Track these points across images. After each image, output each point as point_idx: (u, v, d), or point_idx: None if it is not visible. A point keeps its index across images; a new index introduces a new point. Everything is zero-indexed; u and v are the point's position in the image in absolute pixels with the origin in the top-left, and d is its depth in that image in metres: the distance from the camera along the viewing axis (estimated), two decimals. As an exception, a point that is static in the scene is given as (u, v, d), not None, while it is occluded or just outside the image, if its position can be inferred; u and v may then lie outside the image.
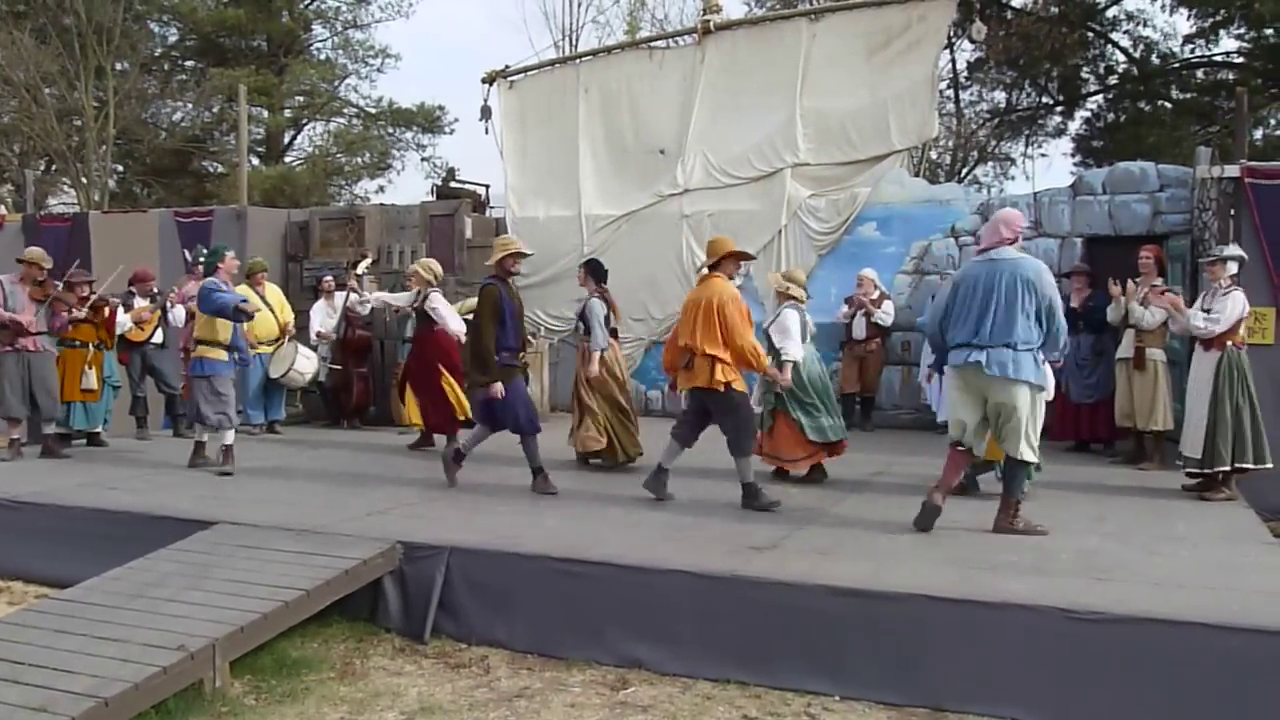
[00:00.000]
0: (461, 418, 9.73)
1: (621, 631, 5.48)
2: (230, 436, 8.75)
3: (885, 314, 11.38)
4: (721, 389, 7.07)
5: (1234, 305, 7.64)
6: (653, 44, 14.26)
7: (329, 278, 12.46)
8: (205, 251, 11.66)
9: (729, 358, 7.05)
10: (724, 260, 7.30)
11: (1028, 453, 6.27)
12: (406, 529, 6.42)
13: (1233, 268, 7.83)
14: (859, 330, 11.41)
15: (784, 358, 7.93)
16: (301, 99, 30.58)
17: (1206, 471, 7.71)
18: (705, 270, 7.42)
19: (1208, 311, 7.71)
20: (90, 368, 9.91)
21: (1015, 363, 6.08)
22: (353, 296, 11.34)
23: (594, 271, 8.99)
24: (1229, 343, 7.65)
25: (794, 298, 8.19)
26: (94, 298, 9.74)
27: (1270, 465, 7.66)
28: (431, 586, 5.91)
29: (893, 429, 11.47)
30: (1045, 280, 6.18)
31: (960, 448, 6.52)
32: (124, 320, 10.36)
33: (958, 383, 6.40)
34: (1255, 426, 7.61)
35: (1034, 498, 7.22)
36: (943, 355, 6.56)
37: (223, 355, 8.73)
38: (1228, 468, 7.60)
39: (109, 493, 7.69)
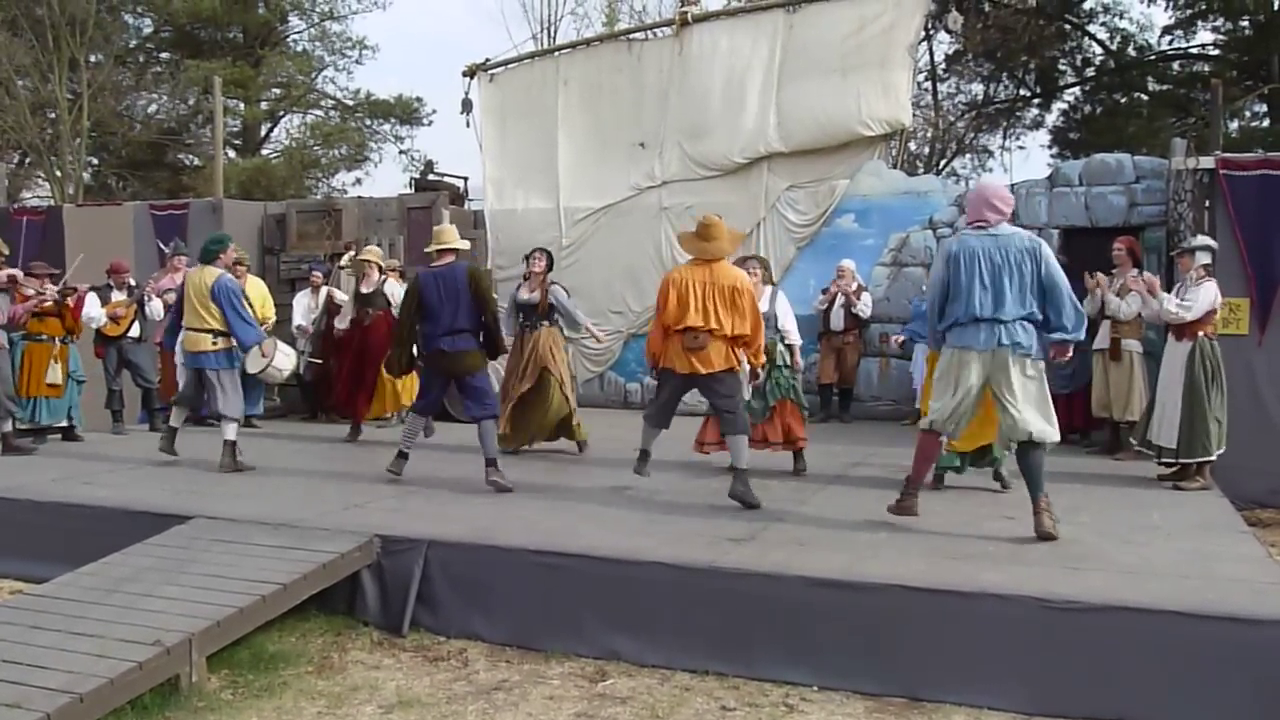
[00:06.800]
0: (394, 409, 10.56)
1: (600, 623, 5.48)
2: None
3: (864, 306, 11.41)
4: (733, 370, 6.99)
5: (1206, 294, 7.74)
6: (631, 36, 14.24)
7: (318, 272, 12.38)
8: (181, 244, 11.63)
9: (749, 342, 6.98)
10: (729, 244, 7.16)
11: (1051, 431, 5.92)
12: (384, 522, 6.39)
13: (1203, 258, 7.90)
14: (837, 321, 11.44)
15: (789, 341, 8.14)
16: (278, 91, 30.38)
17: (1182, 461, 7.79)
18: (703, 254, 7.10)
19: (1181, 300, 7.81)
20: (56, 362, 9.76)
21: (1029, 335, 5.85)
22: (338, 294, 11.34)
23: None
24: (1200, 332, 7.74)
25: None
26: (62, 285, 9.64)
27: (1223, 449, 7.79)
28: (409, 580, 5.89)
29: (870, 420, 11.50)
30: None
31: (936, 434, 6.22)
32: (100, 315, 10.24)
33: (956, 361, 6.00)
34: (1219, 416, 7.74)
35: (1009, 488, 7.26)
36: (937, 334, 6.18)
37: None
38: (1212, 458, 7.68)
39: (84, 487, 7.63)
